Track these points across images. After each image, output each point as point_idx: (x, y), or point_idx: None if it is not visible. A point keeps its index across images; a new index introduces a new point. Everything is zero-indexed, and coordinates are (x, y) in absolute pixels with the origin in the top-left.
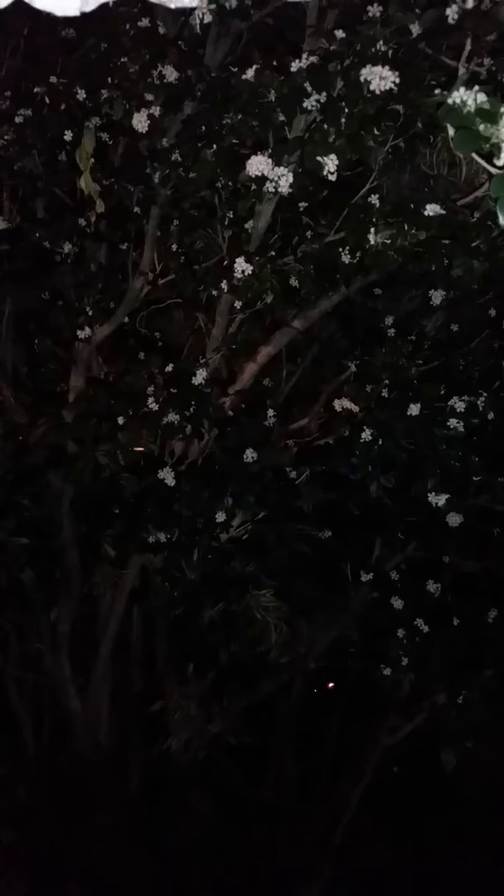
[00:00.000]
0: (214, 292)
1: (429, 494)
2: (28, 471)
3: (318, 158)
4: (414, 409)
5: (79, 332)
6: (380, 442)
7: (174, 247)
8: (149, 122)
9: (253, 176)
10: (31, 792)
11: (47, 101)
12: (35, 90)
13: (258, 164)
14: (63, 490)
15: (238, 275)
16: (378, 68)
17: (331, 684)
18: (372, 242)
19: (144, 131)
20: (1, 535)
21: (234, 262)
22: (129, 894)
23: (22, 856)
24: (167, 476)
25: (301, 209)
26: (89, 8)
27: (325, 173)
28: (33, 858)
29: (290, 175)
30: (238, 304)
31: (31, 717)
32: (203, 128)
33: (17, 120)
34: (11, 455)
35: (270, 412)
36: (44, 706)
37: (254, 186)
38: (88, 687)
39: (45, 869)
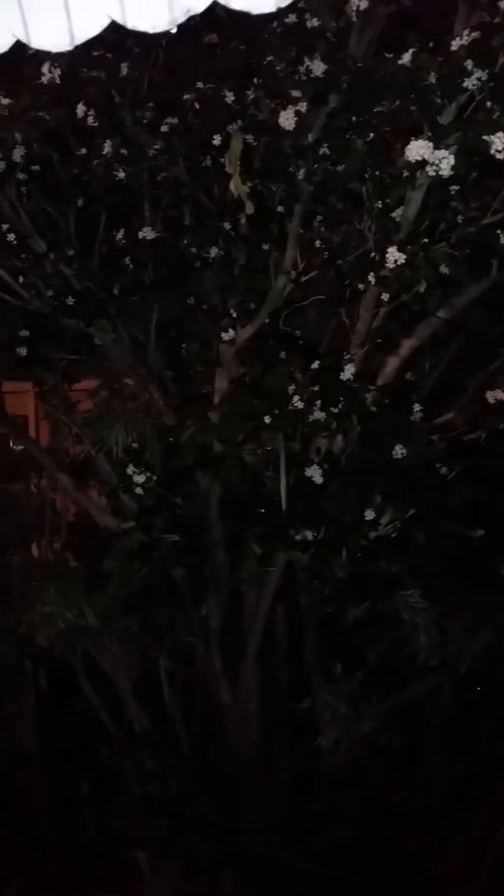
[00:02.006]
0: (361, 286)
1: None
2: (178, 470)
3: (485, 137)
4: None
5: (223, 335)
6: None
7: (317, 243)
8: (296, 118)
9: (413, 161)
10: (183, 784)
11: (196, 106)
12: (185, 97)
13: (418, 149)
14: (211, 489)
15: (390, 265)
16: None
17: (481, 688)
18: None
19: (291, 129)
20: (154, 532)
21: (386, 253)
22: (280, 890)
23: (175, 846)
24: (315, 474)
25: (452, 192)
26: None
27: (493, 152)
28: (187, 849)
29: (452, 157)
30: (385, 297)
31: (183, 710)
32: (354, 118)
33: (163, 129)
34: (163, 456)
35: (417, 406)
36: (194, 700)
37: (406, 173)
38: (238, 681)
39: (198, 860)
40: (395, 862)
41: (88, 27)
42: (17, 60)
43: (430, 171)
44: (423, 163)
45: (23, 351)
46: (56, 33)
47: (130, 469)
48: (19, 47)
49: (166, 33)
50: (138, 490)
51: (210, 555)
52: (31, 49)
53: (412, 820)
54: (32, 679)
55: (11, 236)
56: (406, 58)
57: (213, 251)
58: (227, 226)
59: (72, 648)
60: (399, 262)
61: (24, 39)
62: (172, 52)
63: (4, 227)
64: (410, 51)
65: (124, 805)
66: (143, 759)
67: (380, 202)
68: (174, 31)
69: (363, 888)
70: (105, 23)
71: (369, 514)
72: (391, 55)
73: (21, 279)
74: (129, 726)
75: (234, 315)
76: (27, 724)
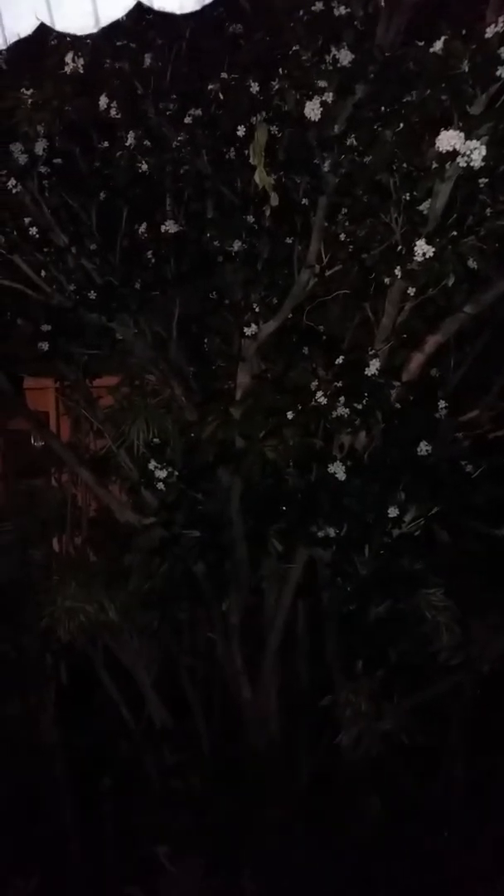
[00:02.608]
0: (386, 280)
1: None
2: (199, 466)
3: None
4: None
5: (245, 330)
6: None
7: (342, 236)
8: (321, 109)
9: (443, 151)
10: (204, 780)
11: (221, 97)
12: (209, 87)
13: (449, 139)
14: (232, 485)
15: (418, 258)
16: None
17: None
18: None
19: (317, 119)
20: (175, 528)
21: (414, 246)
22: (301, 888)
23: (197, 842)
24: (338, 470)
25: (480, 185)
26: None
27: None
28: (208, 845)
29: (483, 148)
30: (411, 291)
31: (203, 706)
32: (383, 108)
33: (187, 121)
34: (184, 451)
35: (442, 403)
36: (214, 695)
37: (434, 165)
38: (259, 678)
39: (219, 856)
40: (415, 860)
41: (114, 9)
42: (40, 48)
43: (462, 161)
44: (453, 153)
45: (44, 346)
46: (81, 15)
47: (152, 464)
48: (44, 30)
49: (191, 21)
50: (159, 485)
51: (231, 551)
52: (54, 32)
53: (433, 818)
54: (53, 673)
55: (33, 230)
56: (437, 46)
57: (236, 245)
58: (250, 219)
59: (92, 643)
60: (427, 256)
61: (48, 22)
62: (196, 42)
63: (26, 220)
64: (442, 38)
65: (145, 800)
66: (164, 753)
67: (407, 194)
68: (199, 13)
69: (384, 885)
70: (131, 4)
71: (393, 512)
72: (422, 43)
73: (43, 273)
74: (149, 721)
75: (257, 310)
76: (48, 717)
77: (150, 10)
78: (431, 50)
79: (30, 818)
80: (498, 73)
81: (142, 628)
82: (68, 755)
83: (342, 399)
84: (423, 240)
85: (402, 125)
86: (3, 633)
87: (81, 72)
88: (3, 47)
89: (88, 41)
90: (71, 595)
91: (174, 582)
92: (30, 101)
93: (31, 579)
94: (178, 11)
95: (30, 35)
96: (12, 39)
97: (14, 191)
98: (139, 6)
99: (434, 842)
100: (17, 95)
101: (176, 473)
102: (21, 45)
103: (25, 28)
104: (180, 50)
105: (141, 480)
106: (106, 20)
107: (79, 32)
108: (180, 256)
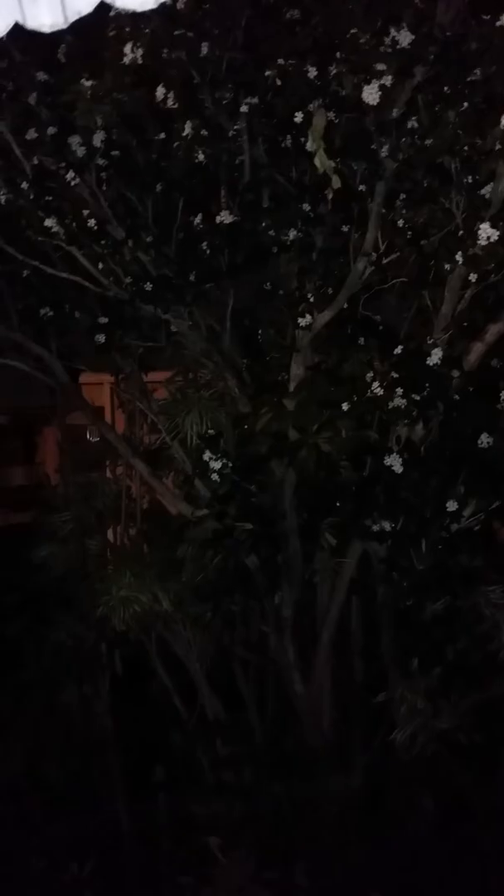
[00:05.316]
0: (447, 266)
1: None
2: (253, 458)
3: None
4: None
5: (300, 320)
6: None
7: (400, 223)
8: (380, 93)
9: None
10: (257, 772)
11: (278, 83)
12: (266, 73)
13: None
14: (286, 477)
15: (482, 242)
16: None
17: None
18: None
19: (375, 104)
20: (227, 520)
21: (477, 230)
22: (354, 885)
23: (250, 834)
24: (395, 463)
25: None
26: None
27: None
28: (261, 837)
29: None
30: (472, 278)
31: (256, 699)
32: (445, 89)
33: (243, 109)
34: (237, 444)
35: None
36: (267, 688)
37: (498, 146)
38: (311, 672)
39: (271, 849)
40: (469, 859)
41: None
42: (99, 40)
43: None
44: None
45: (101, 337)
46: None
47: (207, 455)
48: (103, 8)
49: (247, 8)
50: (214, 476)
51: (284, 544)
52: (112, 22)
53: (489, 817)
54: (108, 662)
55: (91, 222)
56: None
57: (292, 234)
58: (305, 207)
59: (146, 633)
60: (492, 240)
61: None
62: (252, 29)
63: (85, 213)
64: None
65: (198, 790)
66: (216, 745)
67: (469, 178)
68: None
69: (436, 883)
70: None
71: (451, 506)
72: (487, 17)
73: (100, 266)
74: (202, 712)
75: (312, 300)
76: (103, 706)
77: None
78: (498, 24)
79: (84, 806)
80: None
81: (195, 619)
82: (122, 744)
83: (399, 390)
84: (488, 223)
85: (464, 105)
86: (60, 622)
87: (140, 62)
88: (65, 26)
89: (147, 31)
90: (125, 585)
91: (227, 574)
92: (89, 93)
93: (87, 569)
94: None
95: (90, 18)
96: (73, 18)
97: (73, 183)
98: None
99: (489, 841)
100: (77, 88)
101: (230, 465)
102: (80, 34)
103: (86, 6)
104: (237, 38)
105: (195, 471)
106: None
107: (139, 9)
108: (235, 247)
